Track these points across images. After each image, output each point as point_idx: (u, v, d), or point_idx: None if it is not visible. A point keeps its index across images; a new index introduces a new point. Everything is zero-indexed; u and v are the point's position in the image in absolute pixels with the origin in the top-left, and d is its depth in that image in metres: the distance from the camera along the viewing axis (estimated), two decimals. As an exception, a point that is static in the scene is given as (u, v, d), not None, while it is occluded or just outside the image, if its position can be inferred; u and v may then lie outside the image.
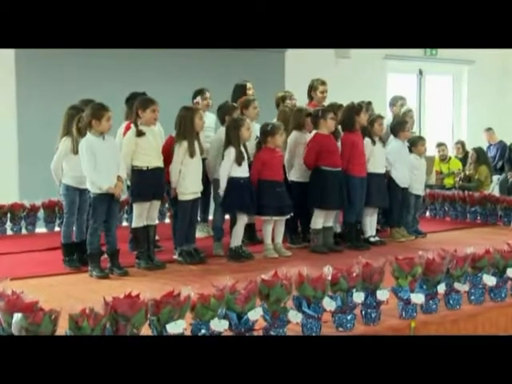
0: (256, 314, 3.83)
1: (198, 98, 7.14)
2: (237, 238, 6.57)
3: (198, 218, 7.19)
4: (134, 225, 6.20)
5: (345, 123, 7.19)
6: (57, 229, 8.50)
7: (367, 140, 7.24)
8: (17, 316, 3.30)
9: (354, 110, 7.15)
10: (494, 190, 11.45)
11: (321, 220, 6.97)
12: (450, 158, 11.74)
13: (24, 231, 8.39)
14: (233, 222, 6.72)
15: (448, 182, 11.56)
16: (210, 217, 7.65)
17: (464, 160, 11.79)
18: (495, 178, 11.90)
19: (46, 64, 9.53)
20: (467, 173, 11.44)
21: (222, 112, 6.94)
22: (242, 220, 6.58)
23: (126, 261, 6.19)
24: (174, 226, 6.68)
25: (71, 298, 4.97)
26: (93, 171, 5.79)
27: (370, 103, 7.65)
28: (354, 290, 4.23)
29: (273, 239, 6.80)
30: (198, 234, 7.01)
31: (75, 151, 6.05)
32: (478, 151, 11.54)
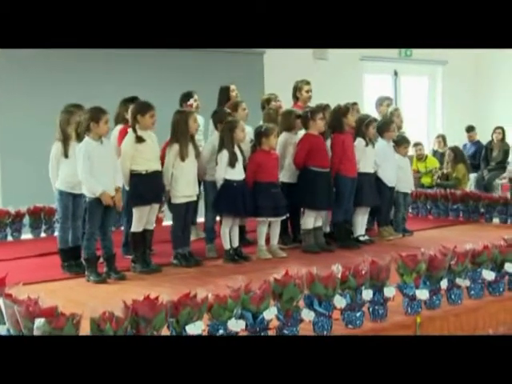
0: (271, 314, 3.89)
1: (191, 101, 7.18)
2: (225, 240, 6.60)
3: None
4: (133, 229, 6.18)
5: (333, 125, 7.27)
6: (43, 235, 8.49)
7: (360, 140, 7.32)
8: (39, 321, 3.30)
9: (341, 111, 7.24)
10: (471, 187, 11.64)
11: (311, 220, 7.03)
12: (426, 157, 11.91)
13: (10, 238, 8.31)
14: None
15: (425, 180, 11.72)
16: (199, 219, 7.71)
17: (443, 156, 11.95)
18: (472, 176, 12.09)
19: (30, 66, 9.40)
20: (445, 171, 11.60)
21: (217, 118, 6.95)
22: (226, 222, 6.60)
23: (120, 265, 6.17)
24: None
25: (72, 302, 4.89)
26: (88, 175, 5.79)
27: (355, 104, 7.72)
28: (363, 288, 4.30)
29: (268, 240, 6.85)
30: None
31: (66, 155, 6.09)
32: (455, 150, 11.71)
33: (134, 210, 6.19)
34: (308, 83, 8.17)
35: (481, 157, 12.58)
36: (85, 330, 3.45)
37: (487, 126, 12.85)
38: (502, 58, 13.30)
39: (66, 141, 6.12)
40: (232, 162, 6.43)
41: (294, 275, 4.06)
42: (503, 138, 12.39)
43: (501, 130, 12.41)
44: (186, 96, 7.41)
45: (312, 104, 7.80)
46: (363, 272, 4.30)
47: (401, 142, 7.95)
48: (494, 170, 12.23)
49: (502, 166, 12.28)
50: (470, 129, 13.00)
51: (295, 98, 8.20)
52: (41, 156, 6.74)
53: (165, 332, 3.67)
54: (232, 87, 7.92)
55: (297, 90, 8.19)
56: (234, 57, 10.67)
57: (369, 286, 4.34)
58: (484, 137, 12.81)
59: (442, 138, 12.59)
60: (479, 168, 12.44)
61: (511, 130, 12.62)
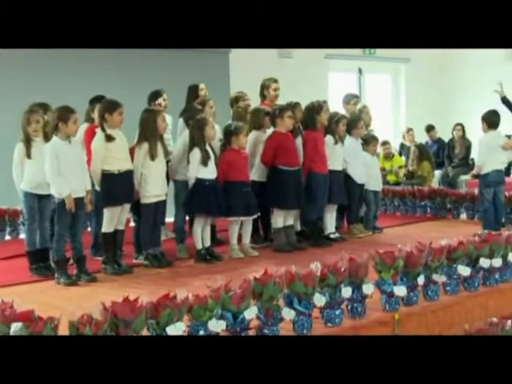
0: (251, 313, 3.84)
1: (160, 100, 7.11)
2: (197, 239, 6.52)
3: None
4: (104, 229, 6.07)
5: (306, 122, 7.26)
6: (7, 238, 8.32)
7: (329, 138, 7.30)
8: (16, 325, 3.20)
9: (315, 109, 7.21)
10: (436, 185, 11.71)
11: (281, 219, 6.99)
12: (393, 155, 11.98)
13: (-27, 241, 8.14)
14: (192, 224, 6.71)
15: (391, 178, 11.78)
16: (167, 219, 7.62)
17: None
18: (437, 172, 12.18)
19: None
20: (410, 169, 11.68)
21: (188, 115, 6.87)
22: (199, 221, 6.52)
23: (89, 267, 6.03)
24: (136, 231, 6.59)
25: (44, 305, 4.76)
26: (55, 176, 5.67)
27: (325, 102, 7.71)
28: (342, 285, 4.27)
29: (239, 239, 6.79)
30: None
31: (28, 156, 5.96)
32: (420, 147, 11.78)
33: (106, 211, 6.07)
34: (275, 81, 8.11)
35: (443, 154, 12.68)
36: (62, 333, 3.36)
37: (450, 122, 12.94)
38: (462, 56, 13.42)
39: (27, 141, 5.99)
40: (204, 161, 6.34)
41: (274, 274, 4.01)
42: (463, 135, 12.48)
43: (460, 126, 12.50)
44: (155, 95, 7.33)
45: (279, 102, 7.77)
46: (342, 269, 4.27)
47: (370, 140, 7.98)
48: (457, 167, 12.32)
49: (465, 162, 12.39)
50: (429, 128, 13.07)
51: (263, 96, 8.13)
52: (3, 157, 6.61)
53: (144, 334, 3.59)
54: (201, 86, 7.86)
55: (264, 88, 8.11)
56: (199, 56, 10.59)
57: (348, 283, 4.32)
58: (447, 134, 12.91)
59: (413, 131, 12.64)
60: (443, 165, 12.54)
61: (473, 126, 12.74)
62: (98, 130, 6.07)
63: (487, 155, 7.51)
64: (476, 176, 7.91)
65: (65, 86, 9.19)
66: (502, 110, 8.05)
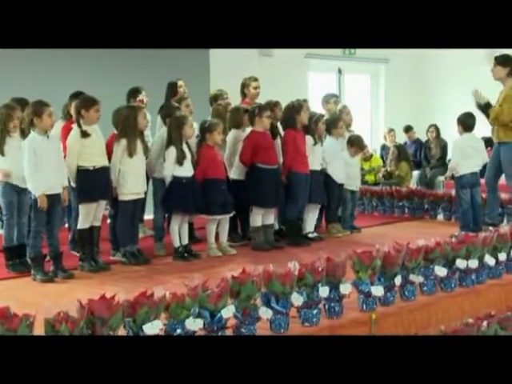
0: (229, 312, 3.83)
1: (142, 96, 7.08)
2: (174, 237, 6.50)
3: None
4: (79, 226, 6.04)
5: (286, 122, 7.26)
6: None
7: (309, 138, 7.29)
8: (-10, 323, 3.17)
9: (295, 109, 7.20)
10: (414, 185, 11.77)
11: (259, 217, 6.98)
12: (371, 156, 12.02)
13: None
14: (170, 221, 6.69)
15: (369, 178, 11.83)
16: (146, 216, 7.60)
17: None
18: (415, 173, 12.25)
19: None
20: (388, 169, 11.74)
21: (165, 112, 6.85)
22: (176, 219, 6.50)
23: (67, 263, 6.01)
24: (112, 227, 6.56)
25: (20, 302, 4.71)
26: (33, 172, 5.63)
27: (305, 101, 7.72)
28: (320, 285, 4.28)
29: (217, 238, 6.77)
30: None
31: (1, 152, 5.92)
32: (399, 148, 11.85)
33: (81, 207, 6.04)
34: (256, 80, 8.12)
35: (421, 155, 12.75)
36: (38, 331, 3.33)
37: (429, 123, 12.96)
38: (442, 57, 13.48)
39: (2, 137, 5.94)
40: (180, 160, 6.32)
41: (252, 273, 4.01)
42: (438, 135, 12.54)
43: (434, 127, 12.54)
44: (134, 92, 7.32)
45: (259, 101, 7.77)
46: (320, 269, 4.27)
47: (353, 144, 7.99)
48: (435, 168, 12.39)
49: (442, 162, 12.44)
50: (408, 129, 13.12)
51: (243, 94, 8.14)
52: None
53: (121, 332, 3.57)
54: (180, 83, 7.88)
55: (244, 86, 8.12)
56: (179, 52, 10.48)
57: (325, 282, 4.33)
58: (425, 135, 12.99)
59: (394, 132, 12.69)
60: (421, 166, 12.61)
61: (453, 127, 12.80)
62: (74, 126, 6.04)
63: (461, 157, 7.53)
64: (452, 177, 7.92)
65: (44, 83, 9.10)
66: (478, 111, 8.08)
